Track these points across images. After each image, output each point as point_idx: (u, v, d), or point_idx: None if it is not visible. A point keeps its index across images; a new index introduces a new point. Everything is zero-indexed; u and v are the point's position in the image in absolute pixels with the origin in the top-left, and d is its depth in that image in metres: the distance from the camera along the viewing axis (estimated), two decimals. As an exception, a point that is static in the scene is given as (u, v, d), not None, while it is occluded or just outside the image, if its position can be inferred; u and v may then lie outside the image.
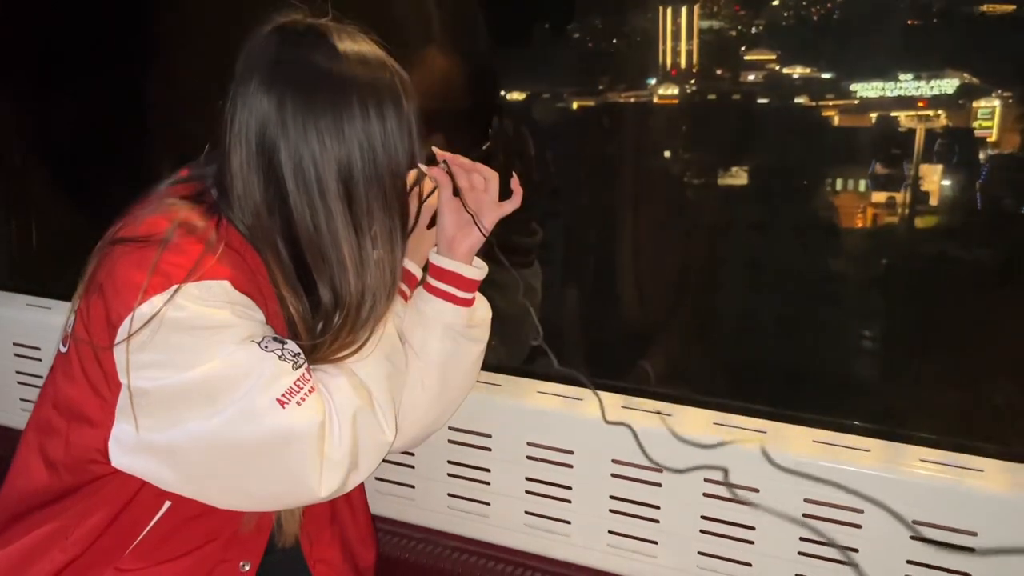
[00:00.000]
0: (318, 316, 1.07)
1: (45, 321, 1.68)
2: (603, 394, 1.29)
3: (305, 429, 0.99)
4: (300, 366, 1.01)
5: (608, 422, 1.27)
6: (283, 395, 0.98)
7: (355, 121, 1.02)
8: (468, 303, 1.20)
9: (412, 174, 1.11)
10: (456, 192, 1.17)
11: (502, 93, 1.71)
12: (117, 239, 1.02)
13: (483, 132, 1.64)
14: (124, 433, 1.00)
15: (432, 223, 1.22)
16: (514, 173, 1.18)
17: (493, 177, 1.17)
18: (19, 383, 1.74)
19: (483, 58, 1.69)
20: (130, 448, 1.01)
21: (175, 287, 0.96)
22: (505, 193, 1.18)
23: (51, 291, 1.75)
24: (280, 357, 1.00)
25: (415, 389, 1.19)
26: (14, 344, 1.73)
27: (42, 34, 1.94)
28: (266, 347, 1.00)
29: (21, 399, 1.74)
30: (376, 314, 1.07)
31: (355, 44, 1.05)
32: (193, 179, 1.11)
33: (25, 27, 1.94)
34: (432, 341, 1.19)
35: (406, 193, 1.10)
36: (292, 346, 1.03)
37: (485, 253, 1.22)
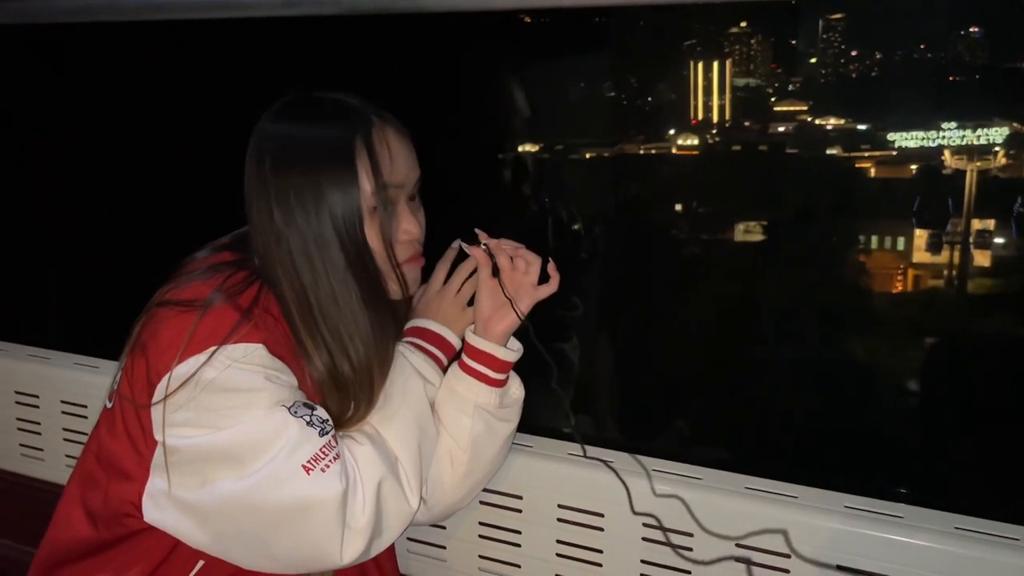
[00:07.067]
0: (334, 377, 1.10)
1: (92, 380, 1.73)
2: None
3: (327, 497, 1.01)
4: (327, 432, 1.04)
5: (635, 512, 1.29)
6: (309, 461, 1.01)
7: (321, 185, 1.06)
8: (501, 384, 1.22)
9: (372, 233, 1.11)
10: (495, 273, 1.21)
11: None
12: (163, 301, 1.07)
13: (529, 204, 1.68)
14: (157, 489, 1.04)
15: (472, 301, 1.25)
16: (550, 258, 1.22)
17: (535, 261, 1.20)
18: (65, 440, 1.79)
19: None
20: (162, 504, 1.04)
21: (212, 349, 1.01)
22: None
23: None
24: (308, 423, 1.02)
25: (444, 466, 1.20)
26: (61, 402, 1.78)
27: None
28: (295, 412, 1.03)
29: (67, 455, 1.79)
30: (362, 360, 1.09)
31: (334, 110, 1.11)
32: (238, 245, 1.16)
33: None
34: (463, 419, 1.20)
35: (368, 257, 1.10)
36: (321, 412, 1.05)
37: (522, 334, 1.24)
